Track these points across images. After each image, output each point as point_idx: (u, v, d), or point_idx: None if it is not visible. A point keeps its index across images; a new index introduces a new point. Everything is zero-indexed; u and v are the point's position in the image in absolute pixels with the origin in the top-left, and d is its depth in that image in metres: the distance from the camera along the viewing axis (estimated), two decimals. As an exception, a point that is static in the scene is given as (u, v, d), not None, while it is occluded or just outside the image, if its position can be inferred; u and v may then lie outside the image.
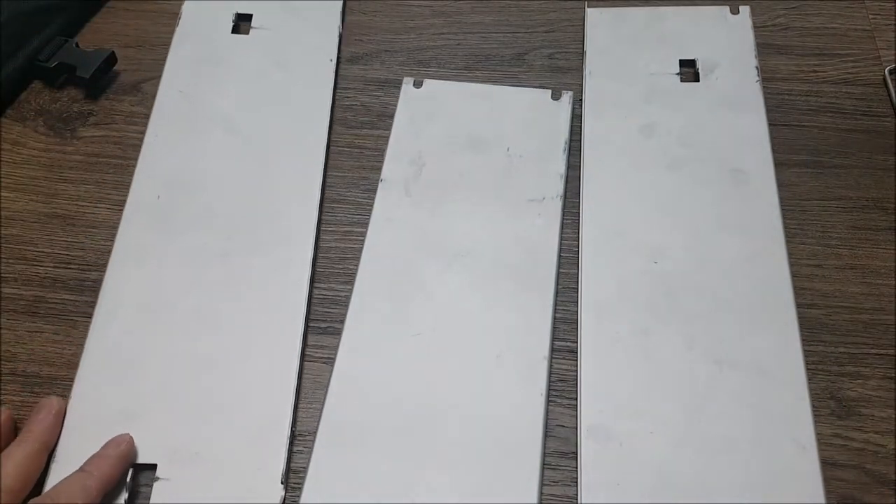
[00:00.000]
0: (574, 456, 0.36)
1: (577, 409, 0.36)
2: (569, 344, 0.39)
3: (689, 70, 0.48)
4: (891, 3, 0.52)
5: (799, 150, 0.45)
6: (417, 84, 0.48)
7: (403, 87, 0.47)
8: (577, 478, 0.35)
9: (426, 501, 0.34)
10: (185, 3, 0.51)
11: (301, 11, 0.51)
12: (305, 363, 0.39)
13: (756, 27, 0.50)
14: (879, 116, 0.47)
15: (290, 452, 0.36)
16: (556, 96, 0.47)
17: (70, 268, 0.41)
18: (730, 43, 0.49)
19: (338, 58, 0.49)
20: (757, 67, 0.47)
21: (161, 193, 0.43)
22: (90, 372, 0.37)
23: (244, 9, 0.51)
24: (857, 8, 0.52)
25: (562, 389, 0.38)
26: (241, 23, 0.51)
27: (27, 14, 0.49)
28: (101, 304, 0.39)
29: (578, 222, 0.42)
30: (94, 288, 0.41)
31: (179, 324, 0.39)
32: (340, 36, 0.50)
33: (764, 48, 0.50)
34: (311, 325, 0.40)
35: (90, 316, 0.39)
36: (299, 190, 0.43)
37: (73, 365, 0.38)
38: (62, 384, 0.38)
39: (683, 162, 0.44)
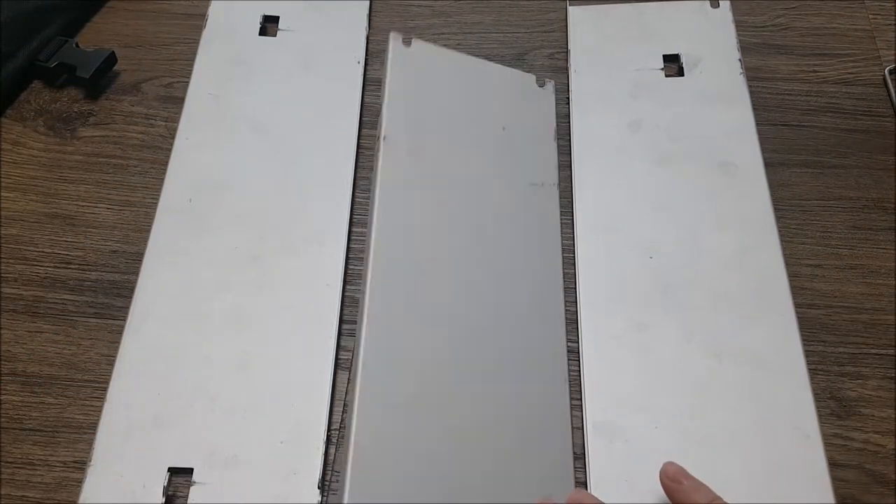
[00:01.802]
0: (581, 455, 0.36)
1: (582, 407, 0.36)
2: (570, 343, 0.39)
3: (673, 65, 0.48)
4: (891, 3, 0.52)
5: (799, 150, 0.45)
6: (406, 42, 0.47)
7: (392, 43, 0.45)
8: (585, 477, 0.35)
9: (469, 501, 0.33)
10: (212, 4, 0.51)
11: (328, 12, 0.51)
12: (339, 364, 0.38)
13: (756, 27, 0.50)
14: (879, 116, 0.47)
15: (326, 456, 0.35)
16: (540, 83, 0.48)
17: (70, 268, 0.41)
18: (712, 37, 0.49)
19: (365, 58, 0.49)
20: (740, 60, 0.47)
21: (192, 196, 0.43)
22: (125, 375, 0.37)
23: (271, 10, 0.51)
24: (857, 8, 0.52)
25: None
26: (268, 24, 0.50)
27: (27, 14, 0.49)
28: (135, 307, 0.39)
29: (572, 221, 0.42)
30: (93, 288, 0.41)
31: (213, 326, 0.38)
32: (368, 37, 0.50)
33: (764, 48, 0.50)
34: (343, 326, 0.39)
35: (90, 316, 0.40)
36: (330, 191, 0.43)
37: (72, 365, 0.38)
38: (62, 384, 0.38)
39: (673, 156, 0.44)
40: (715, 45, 0.48)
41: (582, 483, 0.35)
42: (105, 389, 0.37)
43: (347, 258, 0.41)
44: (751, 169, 0.43)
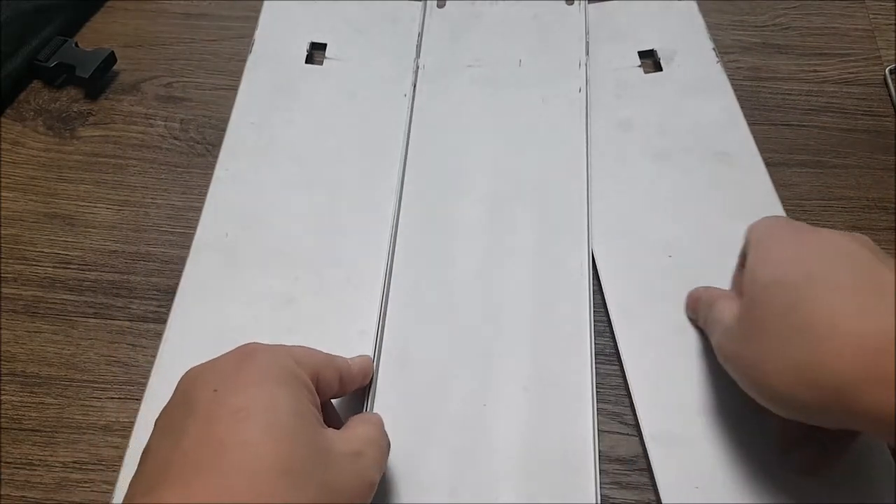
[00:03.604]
0: (646, 466, 0.35)
1: (636, 418, 0.35)
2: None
3: (649, 61, 0.48)
4: (891, 3, 0.52)
5: (799, 150, 0.45)
6: (440, 5, 0.50)
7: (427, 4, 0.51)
8: (654, 488, 0.33)
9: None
10: (258, 29, 0.50)
11: (378, 41, 0.50)
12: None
13: (756, 27, 0.50)
14: (880, 116, 0.47)
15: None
16: (569, 2, 0.50)
17: (69, 268, 0.41)
18: (682, 29, 0.49)
19: (413, 91, 0.47)
20: (714, 49, 0.48)
21: (229, 231, 0.41)
22: (152, 414, 0.35)
23: (319, 38, 0.50)
24: (858, 8, 0.52)
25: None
26: (315, 52, 0.49)
27: (27, 14, 0.49)
28: (166, 344, 0.38)
29: (587, 229, 0.41)
30: (93, 288, 0.40)
31: None
32: (418, 69, 0.48)
33: (764, 48, 0.50)
34: (376, 375, 0.37)
35: (89, 316, 0.39)
36: (369, 230, 0.41)
37: (71, 365, 0.38)
38: (61, 384, 0.38)
39: (668, 152, 0.44)
40: (686, 37, 0.49)
41: (651, 491, 0.34)
42: (104, 390, 0.37)
43: (384, 303, 0.39)
44: (746, 156, 0.43)
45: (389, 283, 0.39)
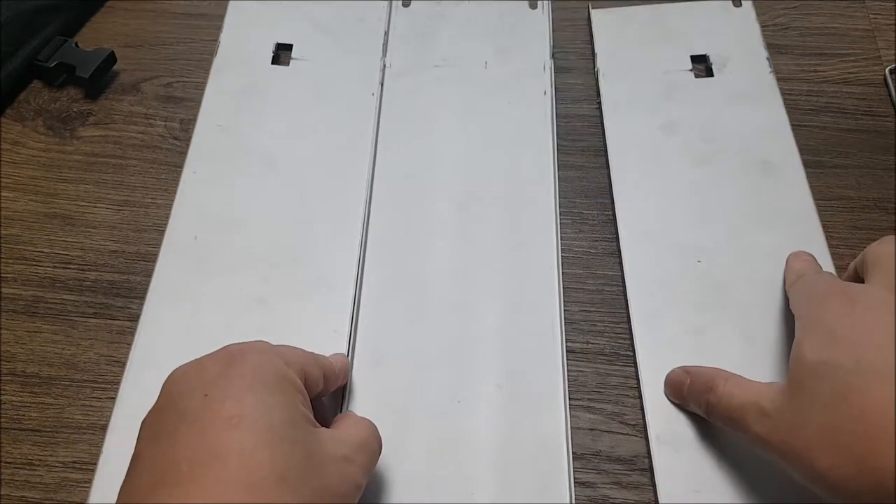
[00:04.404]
0: (647, 466, 0.35)
1: (644, 417, 0.36)
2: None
3: (701, 66, 0.48)
4: (891, 3, 0.52)
5: (800, 150, 0.45)
6: (406, 4, 0.51)
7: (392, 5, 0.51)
8: (654, 490, 0.34)
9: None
10: (223, 32, 0.50)
11: (343, 41, 0.50)
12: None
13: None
14: (880, 116, 0.47)
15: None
16: (532, 5, 0.50)
17: (69, 268, 0.41)
18: (737, 36, 0.49)
19: (381, 90, 0.47)
20: (768, 59, 0.47)
21: (198, 233, 0.41)
22: (125, 419, 0.35)
23: (285, 38, 0.50)
24: (858, 8, 0.52)
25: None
26: (282, 53, 0.49)
27: (27, 14, 0.49)
28: (135, 352, 0.37)
29: (615, 227, 0.42)
30: (93, 288, 0.40)
31: None
32: (384, 68, 0.48)
33: (764, 48, 0.50)
34: (351, 373, 0.37)
35: (89, 316, 0.39)
36: (341, 230, 0.41)
37: (72, 365, 0.38)
38: (61, 384, 0.38)
39: (710, 157, 0.44)
40: (741, 44, 0.49)
41: (651, 491, 0.34)
42: (104, 390, 0.37)
43: (356, 303, 0.39)
44: (789, 167, 0.43)
45: (361, 283, 0.40)
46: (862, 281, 0.33)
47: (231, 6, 0.52)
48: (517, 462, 0.34)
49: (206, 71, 0.49)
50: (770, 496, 0.33)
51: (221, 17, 0.52)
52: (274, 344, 0.30)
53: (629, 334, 0.38)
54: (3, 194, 0.44)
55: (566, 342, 0.38)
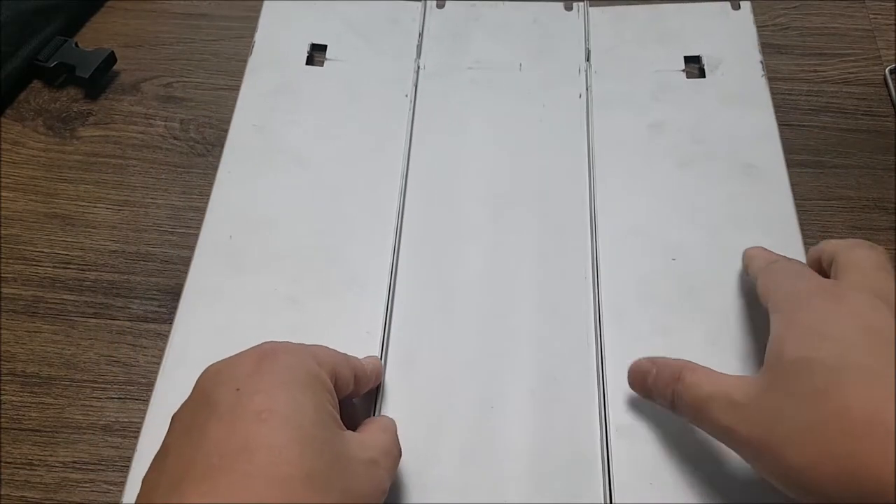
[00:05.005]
0: (602, 458, 0.34)
1: (605, 410, 0.35)
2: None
3: (694, 66, 0.48)
4: (891, 3, 0.52)
5: (799, 150, 0.45)
6: (440, 5, 0.51)
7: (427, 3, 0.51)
8: (609, 481, 0.33)
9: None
10: (258, 33, 0.50)
11: (377, 42, 0.49)
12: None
13: (757, 27, 0.50)
14: (880, 116, 0.47)
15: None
16: (568, 7, 0.50)
17: (69, 268, 0.41)
18: (733, 38, 0.49)
19: (414, 91, 0.47)
20: (762, 62, 0.47)
21: (233, 233, 0.41)
22: (159, 418, 0.34)
23: (319, 39, 0.50)
24: (858, 8, 0.52)
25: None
26: (316, 53, 0.49)
27: (27, 14, 0.49)
28: (171, 348, 0.37)
29: (593, 223, 0.42)
30: (93, 288, 0.40)
31: None
32: (418, 69, 0.48)
33: (764, 48, 0.50)
34: (384, 375, 0.37)
35: (89, 316, 0.39)
36: (373, 230, 0.41)
37: (71, 365, 0.38)
38: (61, 384, 0.38)
39: (695, 159, 0.44)
40: (736, 46, 0.48)
41: (598, 487, 0.34)
42: (104, 390, 0.37)
43: (390, 305, 0.39)
44: (773, 171, 0.43)
45: (394, 285, 0.39)
46: (824, 272, 0.33)
47: (266, 6, 0.51)
48: (552, 467, 0.34)
49: (207, 71, 0.49)
50: (726, 492, 0.33)
51: (222, 17, 0.52)
52: (309, 344, 0.30)
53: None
54: (3, 194, 0.44)
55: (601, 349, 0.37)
